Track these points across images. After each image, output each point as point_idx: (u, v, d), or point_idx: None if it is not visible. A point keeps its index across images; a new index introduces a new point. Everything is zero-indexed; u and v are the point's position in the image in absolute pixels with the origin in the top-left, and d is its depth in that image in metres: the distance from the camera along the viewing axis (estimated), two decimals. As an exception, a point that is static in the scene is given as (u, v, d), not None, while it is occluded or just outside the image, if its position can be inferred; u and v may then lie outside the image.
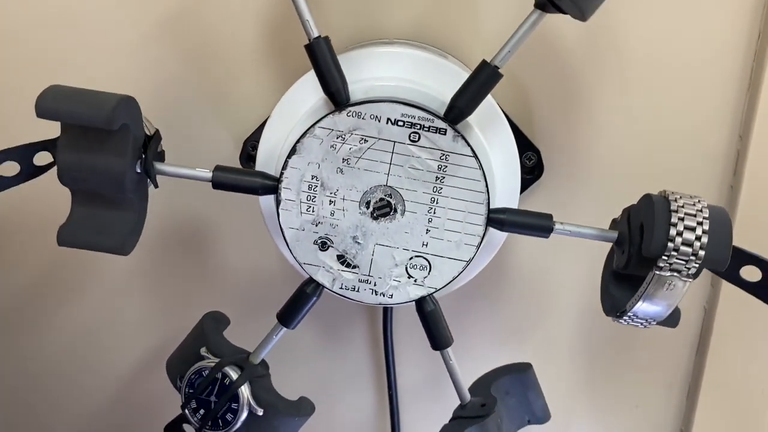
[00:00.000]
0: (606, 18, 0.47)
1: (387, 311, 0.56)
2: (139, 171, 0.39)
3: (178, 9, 0.50)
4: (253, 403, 0.43)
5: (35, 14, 0.51)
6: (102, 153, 0.38)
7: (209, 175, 0.41)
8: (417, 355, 0.60)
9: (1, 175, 0.40)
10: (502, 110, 0.44)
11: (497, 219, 0.41)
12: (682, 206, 0.38)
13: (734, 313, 0.55)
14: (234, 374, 0.44)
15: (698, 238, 0.37)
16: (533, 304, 0.58)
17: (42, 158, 0.41)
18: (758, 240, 0.51)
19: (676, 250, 0.37)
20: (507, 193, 0.45)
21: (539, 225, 0.41)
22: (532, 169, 0.52)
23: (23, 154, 0.40)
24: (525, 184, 0.52)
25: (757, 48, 0.49)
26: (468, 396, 0.46)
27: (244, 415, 0.43)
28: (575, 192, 0.54)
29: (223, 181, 0.40)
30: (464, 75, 0.43)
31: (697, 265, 0.37)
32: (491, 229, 0.41)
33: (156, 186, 0.41)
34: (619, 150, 0.52)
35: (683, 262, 0.37)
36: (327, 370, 0.62)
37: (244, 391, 0.43)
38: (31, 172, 0.41)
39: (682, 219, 0.37)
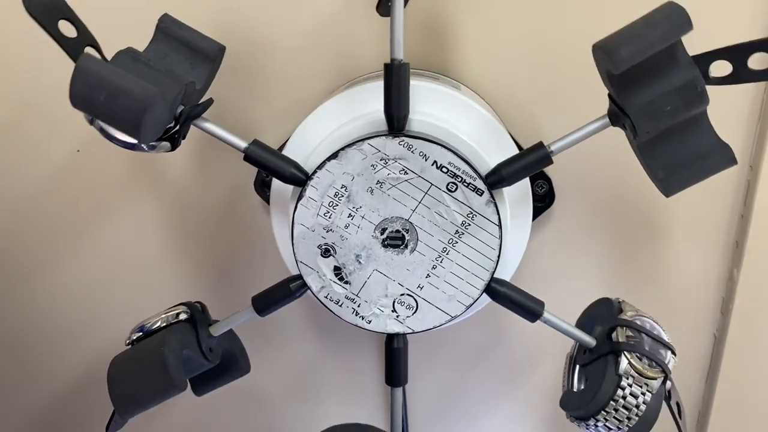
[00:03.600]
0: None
1: None
2: (179, 111, 0.39)
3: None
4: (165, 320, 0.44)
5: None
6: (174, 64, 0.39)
7: (244, 145, 0.40)
8: (428, 382, 0.61)
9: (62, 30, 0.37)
10: (514, 140, 0.45)
11: (494, 289, 0.42)
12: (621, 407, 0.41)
13: (744, 340, 0.56)
14: (185, 308, 0.45)
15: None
16: (541, 334, 0.58)
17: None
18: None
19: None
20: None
21: (529, 308, 0.42)
22: (543, 197, 0.52)
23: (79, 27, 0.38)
24: (536, 212, 0.52)
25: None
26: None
27: (158, 323, 0.44)
28: (586, 220, 0.55)
29: (256, 156, 0.40)
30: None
31: None
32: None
33: (180, 124, 0.39)
34: (630, 178, 0.53)
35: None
36: (336, 393, 0.62)
37: (176, 313, 0.45)
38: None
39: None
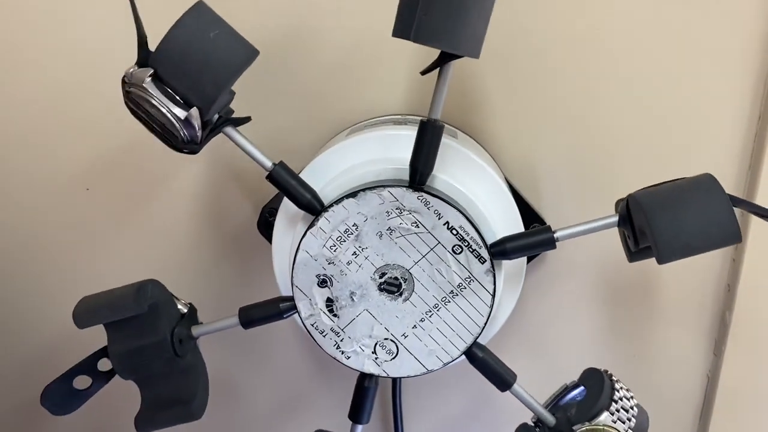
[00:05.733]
0: (607, 101, 0.51)
1: (395, 380, 0.59)
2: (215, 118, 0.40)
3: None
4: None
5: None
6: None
7: (270, 164, 0.41)
8: (426, 424, 0.62)
9: None
10: (510, 184, 0.47)
11: (474, 353, 0.43)
12: None
13: (737, 381, 0.57)
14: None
15: None
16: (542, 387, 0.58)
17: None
18: (759, 310, 0.55)
19: None
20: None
21: (502, 378, 0.44)
22: None
23: None
24: (530, 256, 0.52)
25: (757, 129, 0.50)
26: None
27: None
28: (577, 265, 0.56)
29: (279, 177, 0.41)
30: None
31: None
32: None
33: (216, 127, 0.40)
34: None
35: None
36: (326, 414, 0.63)
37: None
38: None
39: None
